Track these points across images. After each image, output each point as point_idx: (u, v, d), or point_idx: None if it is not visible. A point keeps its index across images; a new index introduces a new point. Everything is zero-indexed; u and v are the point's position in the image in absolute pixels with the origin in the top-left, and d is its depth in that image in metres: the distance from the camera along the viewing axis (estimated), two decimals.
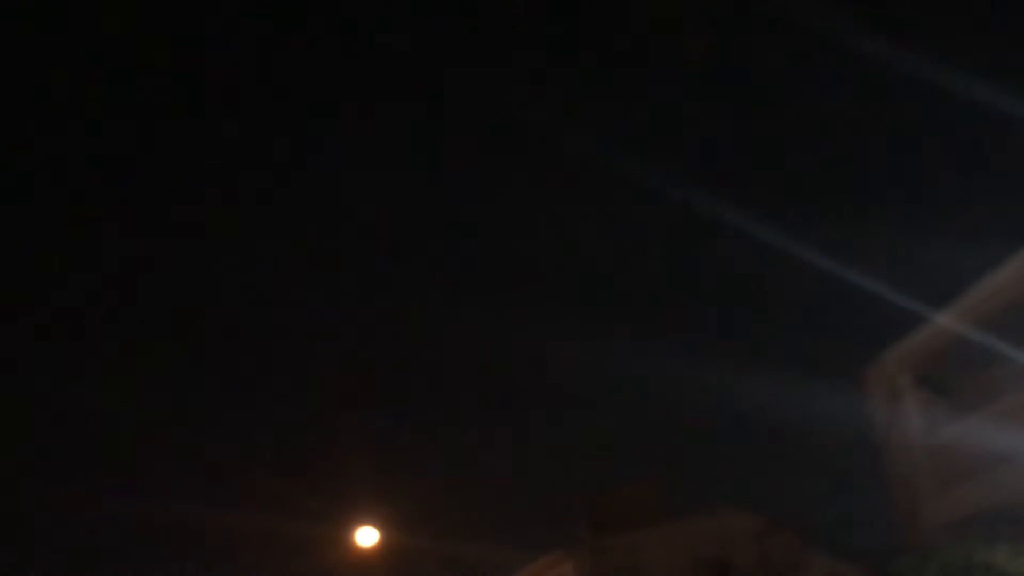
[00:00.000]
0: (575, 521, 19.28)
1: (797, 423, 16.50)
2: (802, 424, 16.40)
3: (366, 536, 17.85)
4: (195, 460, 20.30)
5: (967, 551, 12.60)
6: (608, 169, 19.03)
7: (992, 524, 13.13)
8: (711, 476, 19.39)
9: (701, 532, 17.87)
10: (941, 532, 13.97)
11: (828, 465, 17.62)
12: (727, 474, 19.16)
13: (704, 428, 19.32)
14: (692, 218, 18.40)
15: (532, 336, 18.59)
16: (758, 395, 16.54)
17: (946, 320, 14.32)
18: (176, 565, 20.73)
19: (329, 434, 20.28)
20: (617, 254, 21.57)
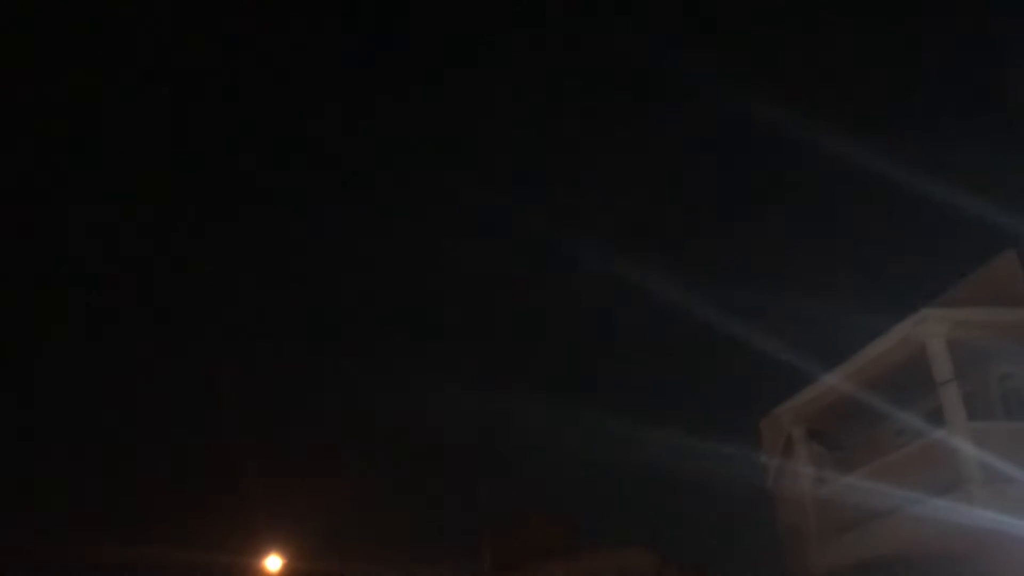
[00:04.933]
0: (479, 553, 19.74)
1: (695, 469, 17.23)
2: (700, 470, 17.13)
3: (272, 563, 18.03)
4: (94, 492, 20.10)
5: None
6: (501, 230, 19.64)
7: (873, 573, 14.02)
8: (613, 514, 20.03)
9: (602, 566, 18.51)
10: None
11: (722, 509, 18.46)
12: (628, 513, 19.82)
13: (607, 470, 19.94)
14: (593, 277, 19.08)
15: (442, 381, 19.02)
16: (660, 441, 17.18)
17: (836, 379, 15.12)
18: None
19: (233, 463, 20.24)
20: (524, 311, 22.12)
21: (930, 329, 13.52)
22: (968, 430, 12.92)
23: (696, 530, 18.92)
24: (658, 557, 18.65)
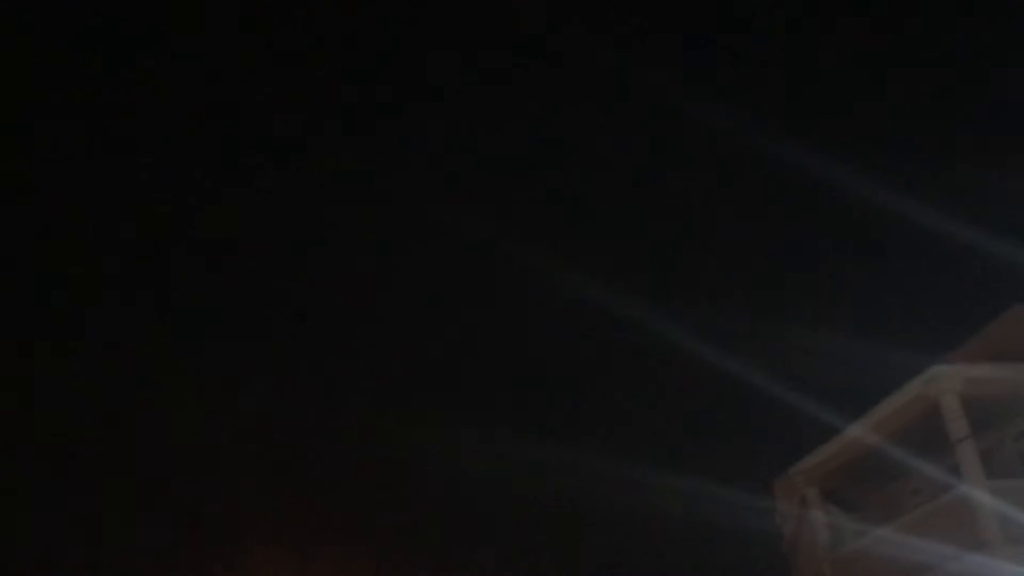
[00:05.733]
0: None
1: (706, 532, 16.98)
2: (712, 531, 16.88)
3: None
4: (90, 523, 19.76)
5: None
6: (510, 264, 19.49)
7: None
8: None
9: None
10: None
11: (736, 572, 18.13)
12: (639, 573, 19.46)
13: (614, 526, 19.61)
14: (604, 322, 18.94)
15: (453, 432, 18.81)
16: (670, 499, 16.92)
17: (850, 437, 15.02)
18: None
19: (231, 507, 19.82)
20: (528, 356, 21.91)
21: (943, 386, 13.43)
22: (987, 488, 12.79)
23: None
24: None
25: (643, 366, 20.19)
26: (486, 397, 22.28)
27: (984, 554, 12.29)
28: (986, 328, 14.48)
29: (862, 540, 14.84)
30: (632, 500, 17.03)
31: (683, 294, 20.49)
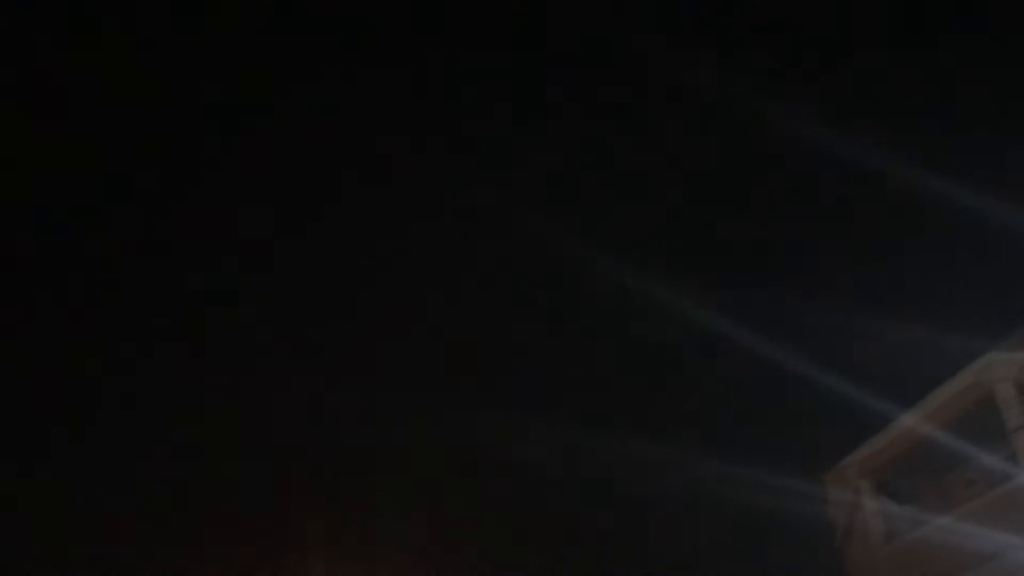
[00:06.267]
0: None
1: (760, 522, 16.81)
2: (765, 523, 16.70)
3: None
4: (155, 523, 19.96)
5: None
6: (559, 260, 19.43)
7: None
8: (668, 567, 19.51)
9: None
10: None
11: (788, 568, 17.92)
12: (686, 565, 19.29)
13: (663, 519, 19.51)
14: (655, 315, 18.85)
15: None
16: (724, 490, 16.77)
17: (902, 427, 14.80)
18: None
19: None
20: (594, 349, 21.84)
21: (998, 374, 13.20)
22: None
23: None
24: None
25: (700, 358, 20.06)
26: (551, 389, 22.28)
27: None
28: None
29: (917, 531, 14.60)
30: (688, 490, 16.93)
31: (738, 285, 20.28)
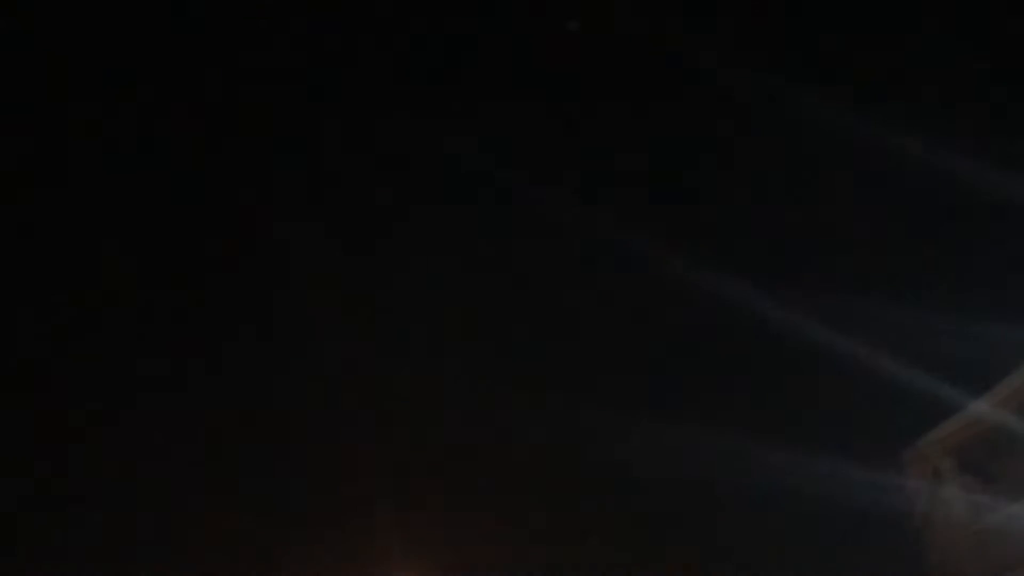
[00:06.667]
0: None
1: (835, 506, 16.46)
2: (840, 507, 16.36)
3: None
4: (229, 499, 20.18)
5: None
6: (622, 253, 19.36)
7: None
8: (744, 555, 19.26)
9: None
10: None
11: (867, 550, 17.52)
12: (760, 553, 19.02)
13: (739, 504, 19.30)
14: (735, 298, 18.68)
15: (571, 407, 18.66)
16: (796, 475, 16.51)
17: (985, 406, 14.37)
18: None
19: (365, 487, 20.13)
20: (658, 335, 21.71)
21: None
22: None
23: (838, 570, 17.97)
24: None
25: (774, 350, 19.87)
26: (634, 383, 22.31)
27: None
28: None
29: (1001, 514, 14.08)
30: (764, 479, 16.71)
31: (812, 279, 20.11)
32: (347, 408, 20.82)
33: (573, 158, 22.14)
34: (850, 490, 15.78)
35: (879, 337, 16.40)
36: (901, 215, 20.58)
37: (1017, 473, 14.95)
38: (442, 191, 22.66)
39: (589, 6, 19.30)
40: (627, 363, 21.97)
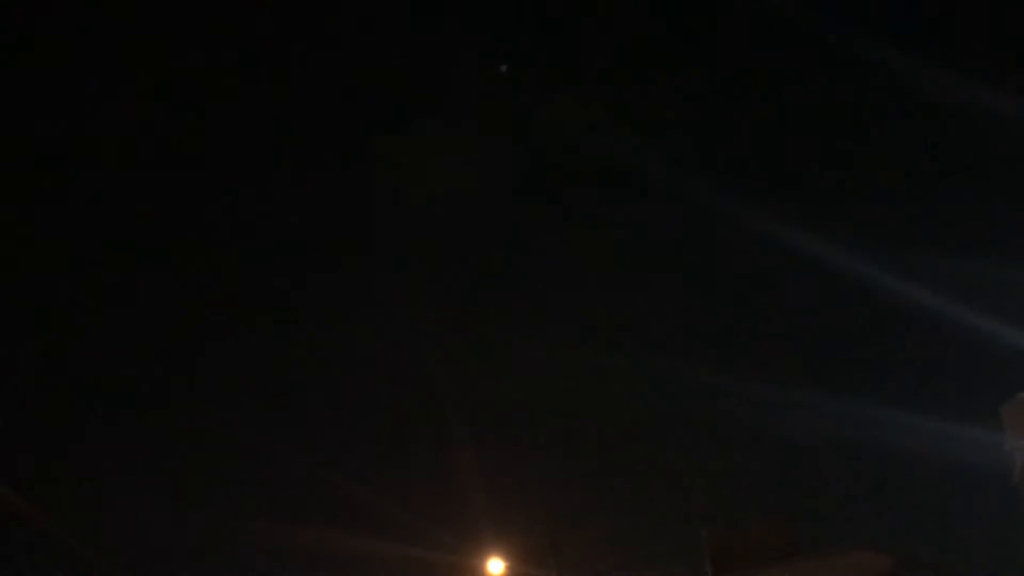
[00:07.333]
0: (698, 559, 19.21)
1: (932, 461, 16.39)
2: (937, 462, 16.27)
3: (495, 566, 18.04)
4: (324, 488, 20.67)
5: None
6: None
7: None
8: (839, 514, 19.21)
9: (829, 571, 17.67)
10: None
11: (964, 504, 17.39)
12: (856, 512, 18.98)
13: (834, 465, 19.31)
14: (833, 260, 18.91)
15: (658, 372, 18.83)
16: (892, 432, 16.51)
17: None
18: None
19: (456, 463, 20.52)
20: (742, 296, 21.97)
21: None
22: None
23: (934, 528, 17.87)
24: (892, 559, 17.61)
25: (876, 313, 20.08)
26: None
27: None
28: None
29: None
30: (866, 435, 16.76)
31: (916, 248, 20.34)
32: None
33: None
34: (948, 445, 15.67)
35: (978, 295, 16.32)
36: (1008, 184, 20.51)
37: None
38: None
39: None
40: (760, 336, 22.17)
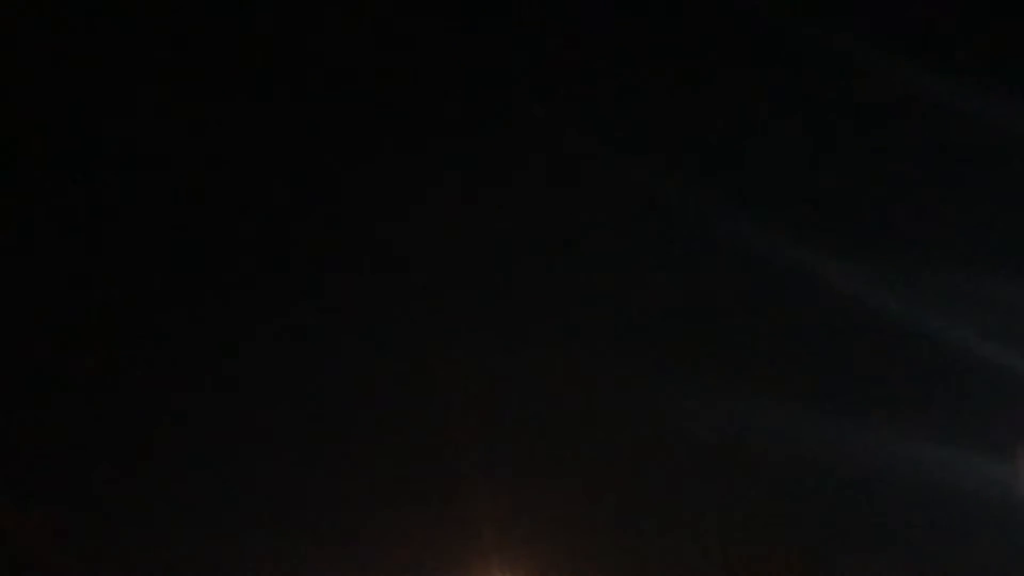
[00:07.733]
0: None
1: (945, 496, 16.26)
2: (951, 498, 16.15)
3: None
4: (325, 500, 20.58)
5: None
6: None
7: None
8: (854, 546, 19.12)
9: None
10: None
11: (978, 541, 17.28)
12: (871, 545, 18.88)
13: (848, 496, 19.21)
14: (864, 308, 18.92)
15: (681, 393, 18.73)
16: (904, 466, 16.37)
17: None
18: None
19: (460, 479, 20.41)
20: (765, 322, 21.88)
21: None
22: None
23: (954, 561, 17.82)
24: None
25: (891, 339, 19.99)
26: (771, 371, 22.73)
27: None
28: None
29: None
30: (880, 469, 16.58)
31: (929, 275, 20.24)
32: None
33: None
34: (964, 480, 15.55)
35: (996, 324, 16.13)
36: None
37: None
38: None
39: None
40: (762, 357, 22.00)
